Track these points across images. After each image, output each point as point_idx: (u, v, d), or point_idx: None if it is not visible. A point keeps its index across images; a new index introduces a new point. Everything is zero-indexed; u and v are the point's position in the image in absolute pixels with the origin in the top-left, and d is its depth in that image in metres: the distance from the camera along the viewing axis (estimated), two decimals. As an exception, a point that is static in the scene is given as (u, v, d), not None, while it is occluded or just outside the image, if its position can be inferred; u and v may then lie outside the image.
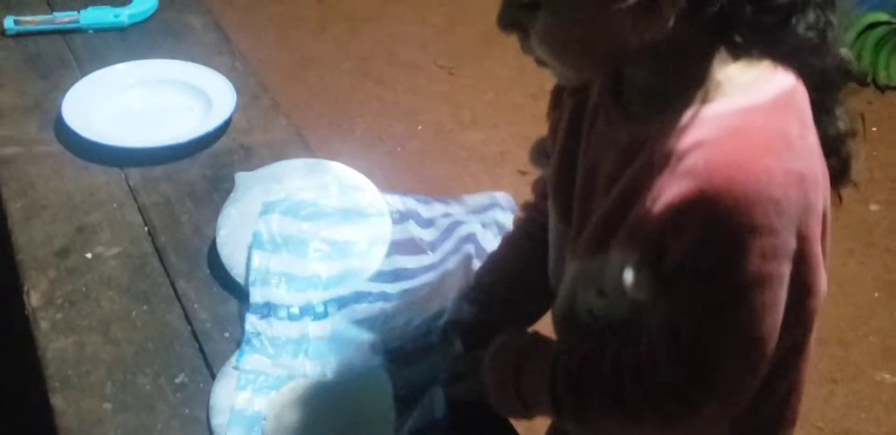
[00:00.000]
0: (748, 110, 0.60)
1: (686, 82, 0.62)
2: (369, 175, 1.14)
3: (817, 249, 0.64)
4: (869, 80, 2.71)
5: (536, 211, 0.92)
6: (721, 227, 0.58)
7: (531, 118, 2.33)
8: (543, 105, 0.83)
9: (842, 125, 0.68)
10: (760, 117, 0.60)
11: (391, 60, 2.77)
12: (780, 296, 0.62)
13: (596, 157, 0.72)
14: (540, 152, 0.86)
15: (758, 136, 0.59)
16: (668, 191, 0.60)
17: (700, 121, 0.61)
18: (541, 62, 0.67)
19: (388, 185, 1.20)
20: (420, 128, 2.47)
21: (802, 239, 0.61)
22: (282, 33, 2.86)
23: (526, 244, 0.92)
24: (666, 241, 0.62)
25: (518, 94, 2.56)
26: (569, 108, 0.78)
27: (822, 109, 0.65)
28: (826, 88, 0.65)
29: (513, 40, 0.68)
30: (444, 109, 2.55)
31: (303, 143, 1.27)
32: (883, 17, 2.62)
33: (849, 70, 0.66)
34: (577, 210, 0.76)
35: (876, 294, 1.95)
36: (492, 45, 2.74)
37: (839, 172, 0.68)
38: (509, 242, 0.96)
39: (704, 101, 0.61)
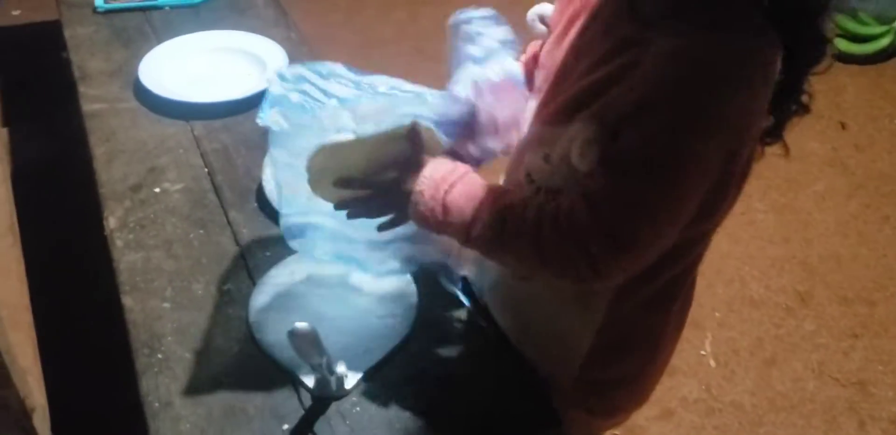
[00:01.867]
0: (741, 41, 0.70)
1: (704, 7, 0.71)
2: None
3: (737, 168, 0.75)
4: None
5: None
6: (684, 107, 0.69)
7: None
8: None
9: (802, 97, 0.77)
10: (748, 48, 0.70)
11: (448, 40, 2.91)
12: (705, 183, 0.72)
13: (590, 39, 0.81)
14: (537, 17, 0.95)
15: (739, 59, 0.69)
16: (648, 74, 0.70)
17: (700, 40, 0.70)
18: None
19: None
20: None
21: (733, 152, 0.72)
22: (348, 17, 3.04)
23: None
24: (627, 121, 0.71)
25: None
26: None
27: (793, 75, 0.74)
28: (804, 59, 0.74)
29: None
30: (497, 86, 2.67)
31: (345, 101, 1.43)
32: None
33: (826, 46, 0.74)
34: (552, 81, 0.85)
35: (910, 257, 1.97)
36: (545, 24, 2.84)
37: (773, 129, 0.78)
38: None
39: (714, 27, 0.70)
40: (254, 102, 1.40)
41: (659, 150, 0.71)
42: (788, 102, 0.77)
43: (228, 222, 1.17)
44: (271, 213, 1.16)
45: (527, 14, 0.98)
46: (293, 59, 1.48)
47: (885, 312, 1.84)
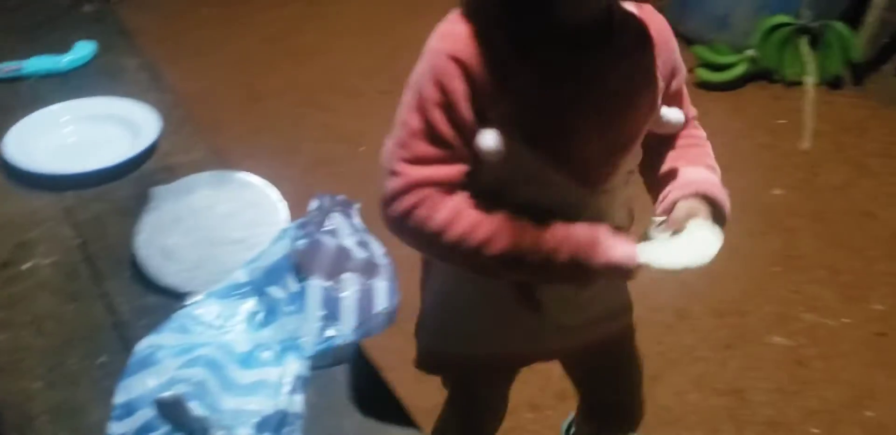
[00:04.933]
0: None
1: None
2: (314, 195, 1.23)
3: None
4: (778, 77, 2.91)
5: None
6: None
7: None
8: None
9: None
10: None
11: (336, 89, 2.96)
12: None
13: (627, 76, 0.89)
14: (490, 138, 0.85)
15: None
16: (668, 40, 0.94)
17: None
18: None
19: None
20: (362, 149, 2.64)
21: None
22: (234, 73, 3.06)
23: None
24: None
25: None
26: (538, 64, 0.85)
27: None
28: None
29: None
30: (385, 131, 2.70)
31: (220, 161, 1.45)
32: (784, 18, 2.83)
33: None
34: (615, 129, 0.90)
35: (774, 268, 2.12)
36: (426, 68, 2.93)
37: None
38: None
39: None
40: (126, 169, 1.42)
41: None
42: None
43: (103, 293, 1.17)
44: (146, 280, 1.17)
45: None
46: (168, 121, 1.50)
47: (756, 321, 1.97)
